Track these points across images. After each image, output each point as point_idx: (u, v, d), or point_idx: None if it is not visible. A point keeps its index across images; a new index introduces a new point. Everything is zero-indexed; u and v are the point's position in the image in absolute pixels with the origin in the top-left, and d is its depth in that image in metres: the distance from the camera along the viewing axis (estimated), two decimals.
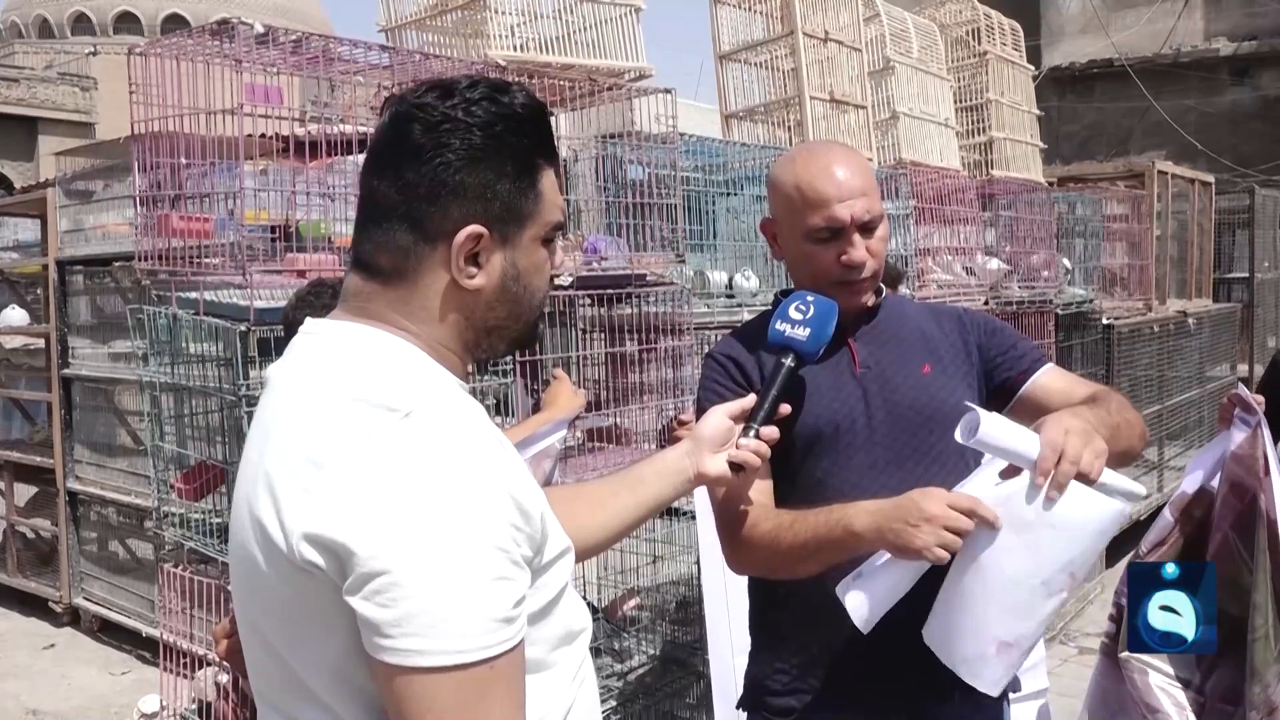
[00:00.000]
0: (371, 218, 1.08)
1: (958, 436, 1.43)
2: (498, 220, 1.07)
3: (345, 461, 0.96)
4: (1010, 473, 1.44)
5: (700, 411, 1.73)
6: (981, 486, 1.48)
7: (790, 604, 1.74)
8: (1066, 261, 6.30)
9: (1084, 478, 1.39)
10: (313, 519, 0.95)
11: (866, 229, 1.67)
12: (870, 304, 1.73)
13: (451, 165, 1.05)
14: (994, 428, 1.43)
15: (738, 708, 1.84)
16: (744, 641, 1.90)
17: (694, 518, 3.39)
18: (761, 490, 1.70)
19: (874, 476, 1.64)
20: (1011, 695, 1.79)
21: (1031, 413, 1.69)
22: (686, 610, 3.64)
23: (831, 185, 1.67)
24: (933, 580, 1.63)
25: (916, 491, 1.48)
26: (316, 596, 0.96)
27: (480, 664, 0.93)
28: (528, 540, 0.99)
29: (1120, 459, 1.57)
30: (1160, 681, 2.09)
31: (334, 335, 1.09)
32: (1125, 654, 2.11)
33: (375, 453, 0.96)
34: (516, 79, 3.33)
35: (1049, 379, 1.73)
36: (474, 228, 1.06)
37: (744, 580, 1.85)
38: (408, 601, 0.92)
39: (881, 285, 1.81)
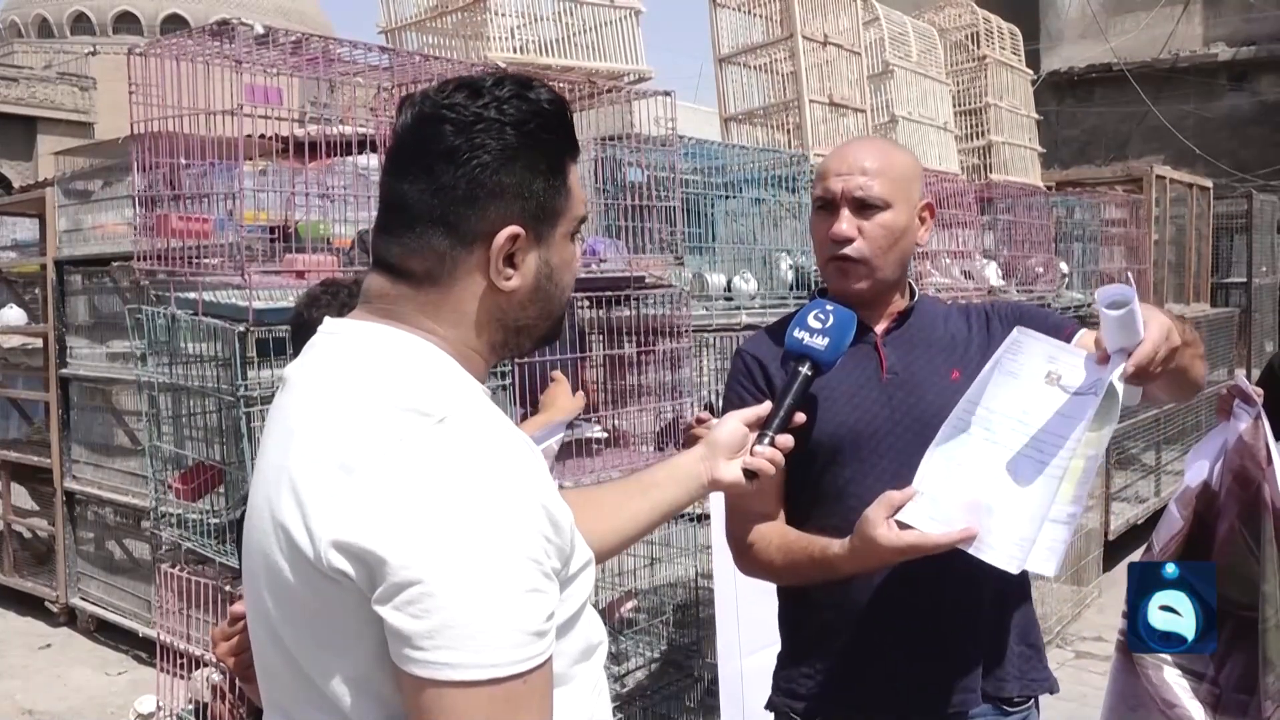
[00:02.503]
0: (401, 222, 1.06)
1: (1099, 296, 1.42)
2: (533, 219, 1.06)
3: (377, 467, 0.94)
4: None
5: (726, 406, 1.77)
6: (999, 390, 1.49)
7: (818, 609, 1.73)
8: (1064, 265, 6.31)
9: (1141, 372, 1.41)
10: (342, 526, 0.93)
11: (863, 209, 1.67)
12: (861, 288, 1.70)
13: (489, 166, 1.03)
14: (1135, 309, 1.43)
15: (766, 708, 1.83)
16: (751, 644, 1.91)
17: (692, 520, 3.39)
18: (769, 501, 1.70)
19: (896, 486, 1.60)
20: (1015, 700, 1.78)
21: None
22: (684, 613, 3.64)
23: (838, 160, 1.71)
24: (951, 584, 1.64)
25: (864, 539, 1.50)
26: (342, 605, 0.95)
27: (514, 678, 0.92)
28: (558, 552, 0.98)
29: (1180, 383, 1.61)
30: (1175, 676, 2.09)
31: (358, 336, 1.07)
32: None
33: (408, 459, 0.94)
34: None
35: (1085, 341, 1.70)
36: (513, 228, 1.05)
37: (755, 584, 1.86)
38: (441, 613, 0.90)
39: (913, 285, 1.80)
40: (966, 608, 1.65)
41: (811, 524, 1.70)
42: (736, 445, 1.46)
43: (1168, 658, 2.10)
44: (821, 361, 1.53)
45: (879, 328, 1.74)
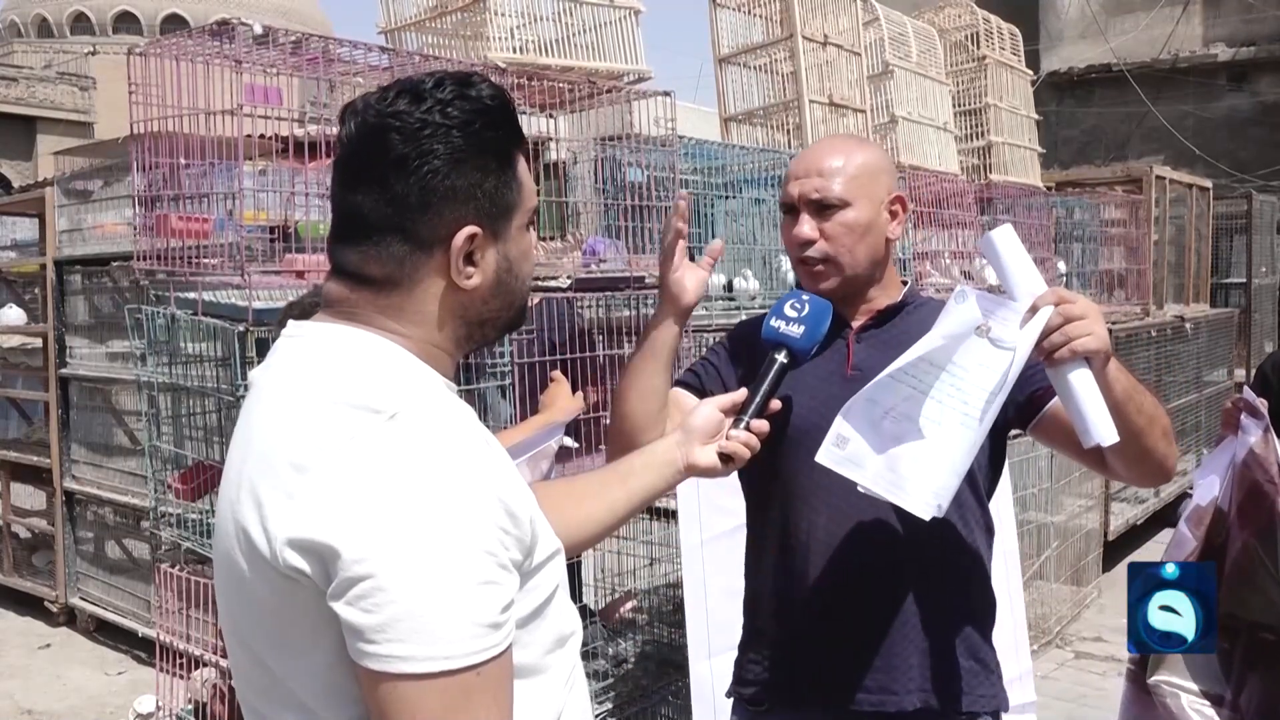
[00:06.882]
0: (358, 232, 1.06)
1: (980, 241, 1.47)
2: (488, 216, 1.08)
3: (329, 465, 0.95)
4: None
5: (690, 370, 1.82)
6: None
7: (768, 600, 1.78)
8: (1063, 265, 6.31)
9: (1059, 344, 1.42)
10: (297, 524, 0.94)
11: (822, 210, 1.69)
12: (830, 286, 1.71)
13: (440, 171, 1.04)
14: (1010, 243, 1.47)
15: (726, 695, 1.88)
16: (721, 643, 1.92)
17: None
18: None
19: (842, 478, 1.58)
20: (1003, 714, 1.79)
21: (1056, 431, 1.66)
22: (683, 613, 3.63)
23: (798, 165, 1.75)
24: (890, 582, 1.68)
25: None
26: (302, 603, 0.95)
27: (466, 670, 0.92)
28: (516, 543, 0.98)
29: (1139, 452, 1.57)
30: (1194, 703, 2.04)
31: (318, 337, 1.08)
32: (1155, 679, 2.06)
33: (360, 456, 0.95)
34: (514, 79, 3.34)
35: (1055, 409, 1.68)
36: (470, 228, 1.06)
37: (727, 584, 1.88)
38: (392, 606, 0.91)
39: (907, 281, 1.82)
40: (894, 608, 1.68)
41: (761, 509, 1.77)
42: (712, 430, 1.47)
43: (1183, 683, 2.05)
44: (797, 349, 1.55)
45: (855, 324, 1.76)
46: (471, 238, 1.06)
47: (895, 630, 1.67)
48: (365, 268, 1.07)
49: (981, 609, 1.78)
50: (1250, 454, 2.01)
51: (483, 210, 1.07)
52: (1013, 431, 1.78)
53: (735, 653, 1.86)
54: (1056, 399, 1.62)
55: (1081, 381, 1.44)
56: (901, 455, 1.47)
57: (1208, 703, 2.04)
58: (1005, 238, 1.50)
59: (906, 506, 1.46)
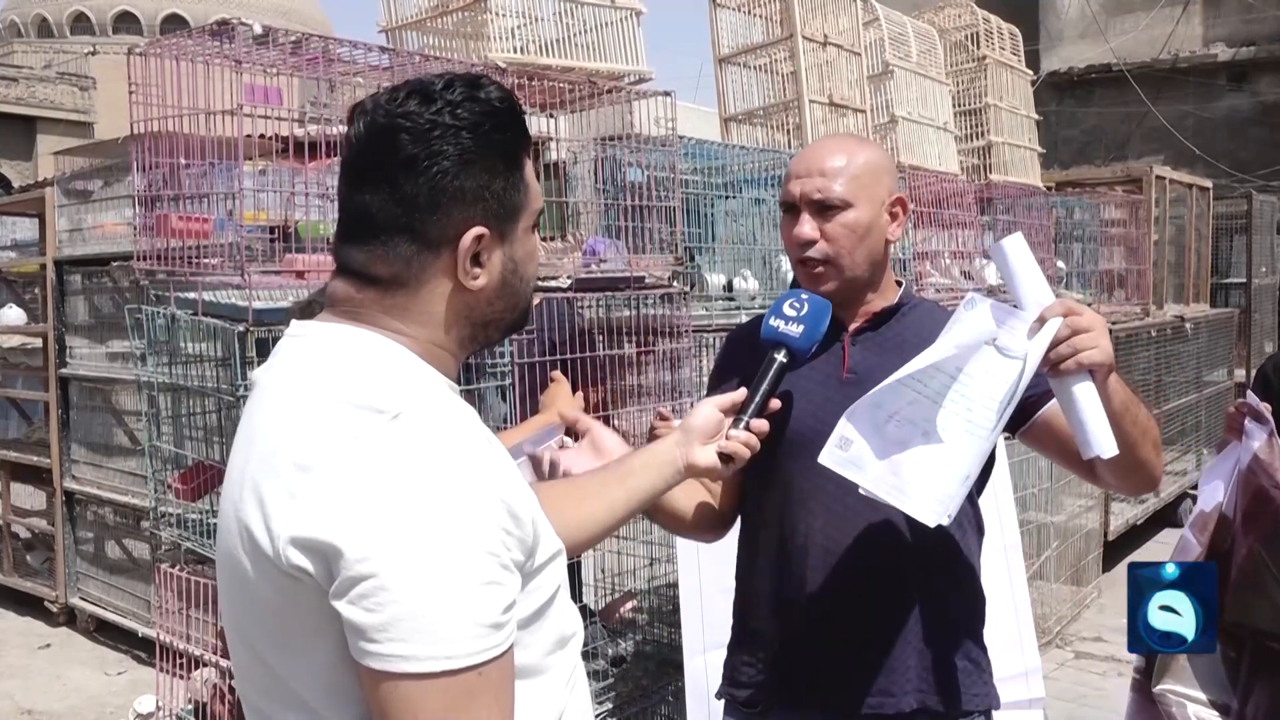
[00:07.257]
0: (366, 231, 1.07)
1: (990, 248, 1.46)
2: (495, 218, 1.08)
3: (332, 464, 0.96)
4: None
5: (709, 382, 1.83)
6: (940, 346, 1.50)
7: (764, 602, 1.77)
8: (1063, 265, 6.31)
9: (1065, 355, 1.42)
10: (300, 523, 0.94)
11: (824, 210, 1.68)
12: (830, 288, 1.70)
13: (449, 172, 1.05)
14: (1020, 252, 1.47)
15: (716, 696, 1.88)
16: (715, 639, 1.91)
17: None
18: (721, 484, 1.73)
19: (840, 481, 1.57)
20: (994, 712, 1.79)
21: (1048, 438, 1.67)
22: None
23: (799, 163, 1.73)
24: (888, 584, 1.68)
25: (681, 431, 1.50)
26: (304, 603, 0.96)
27: (468, 670, 0.92)
28: (518, 544, 0.98)
29: (1131, 463, 1.56)
30: (1200, 712, 2.03)
31: (321, 337, 1.08)
32: (1160, 688, 2.05)
33: (363, 455, 0.95)
34: (514, 79, 3.34)
35: (1052, 413, 1.68)
36: (478, 229, 1.07)
37: (720, 582, 1.87)
38: (394, 606, 0.91)
39: (902, 281, 1.81)
40: (892, 611, 1.68)
41: (757, 511, 1.77)
42: (711, 430, 1.47)
43: (1189, 692, 2.04)
44: (796, 349, 1.54)
45: (851, 327, 1.75)
46: (479, 238, 1.07)
47: (893, 632, 1.67)
48: (372, 267, 1.07)
49: (974, 608, 1.78)
50: (1254, 459, 2.00)
51: (490, 211, 1.08)
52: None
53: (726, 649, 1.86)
54: (1048, 406, 1.62)
55: (1085, 393, 1.44)
56: (904, 460, 1.46)
57: (1215, 712, 2.02)
58: (1016, 247, 1.49)
59: (907, 510, 1.46)
